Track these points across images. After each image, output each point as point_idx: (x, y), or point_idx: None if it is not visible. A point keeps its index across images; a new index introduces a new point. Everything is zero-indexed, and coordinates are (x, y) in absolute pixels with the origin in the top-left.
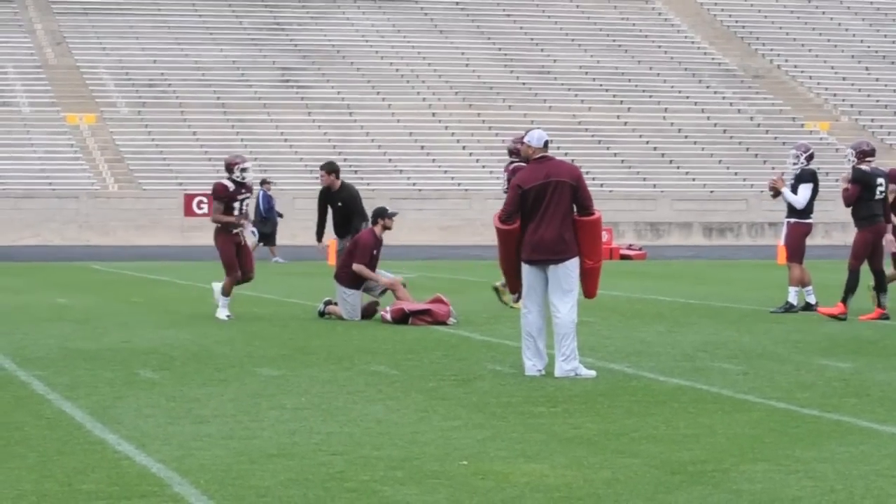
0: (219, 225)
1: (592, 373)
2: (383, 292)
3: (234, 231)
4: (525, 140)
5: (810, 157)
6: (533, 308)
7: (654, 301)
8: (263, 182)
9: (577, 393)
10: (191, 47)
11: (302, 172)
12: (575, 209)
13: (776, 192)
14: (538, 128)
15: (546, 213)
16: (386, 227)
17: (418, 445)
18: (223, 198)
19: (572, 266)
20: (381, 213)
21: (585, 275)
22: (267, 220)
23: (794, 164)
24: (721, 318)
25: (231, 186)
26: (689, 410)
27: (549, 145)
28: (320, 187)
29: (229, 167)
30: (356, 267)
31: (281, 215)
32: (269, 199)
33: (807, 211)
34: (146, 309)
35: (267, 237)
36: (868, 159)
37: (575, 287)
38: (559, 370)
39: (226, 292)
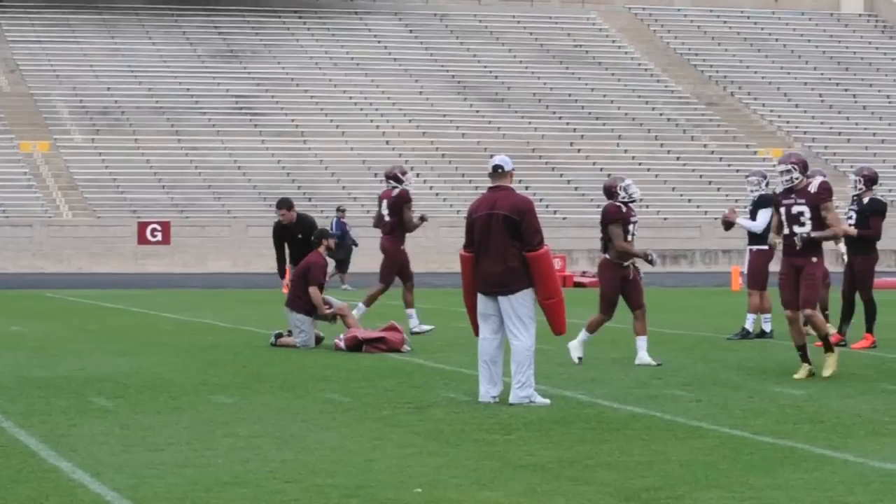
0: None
1: (546, 401)
2: (334, 318)
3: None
4: None
5: (768, 183)
6: (488, 335)
7: (608, 328)
8: (338, 209)
9: (532, 420)
10: (144, 75)
11: (255, 200)
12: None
13: (729, 225)
14: (503, 154)
15: (490, 246)
16: (329, 248)
17: (373, 473)
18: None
19: (523, 297)
20: (324, 234)
21: (545, 311)
22: (340, 247)
23: (754, 190)
24: (674, 344)
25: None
26: (643, 437)
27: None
28: (275, 222)
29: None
30: (312, 290)
31: (356, 244)
32: (342, 226)
33: (767, 237)
34: (100, 337)
35: (340, 263)
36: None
37: (530, 316)
38: (514, 397)
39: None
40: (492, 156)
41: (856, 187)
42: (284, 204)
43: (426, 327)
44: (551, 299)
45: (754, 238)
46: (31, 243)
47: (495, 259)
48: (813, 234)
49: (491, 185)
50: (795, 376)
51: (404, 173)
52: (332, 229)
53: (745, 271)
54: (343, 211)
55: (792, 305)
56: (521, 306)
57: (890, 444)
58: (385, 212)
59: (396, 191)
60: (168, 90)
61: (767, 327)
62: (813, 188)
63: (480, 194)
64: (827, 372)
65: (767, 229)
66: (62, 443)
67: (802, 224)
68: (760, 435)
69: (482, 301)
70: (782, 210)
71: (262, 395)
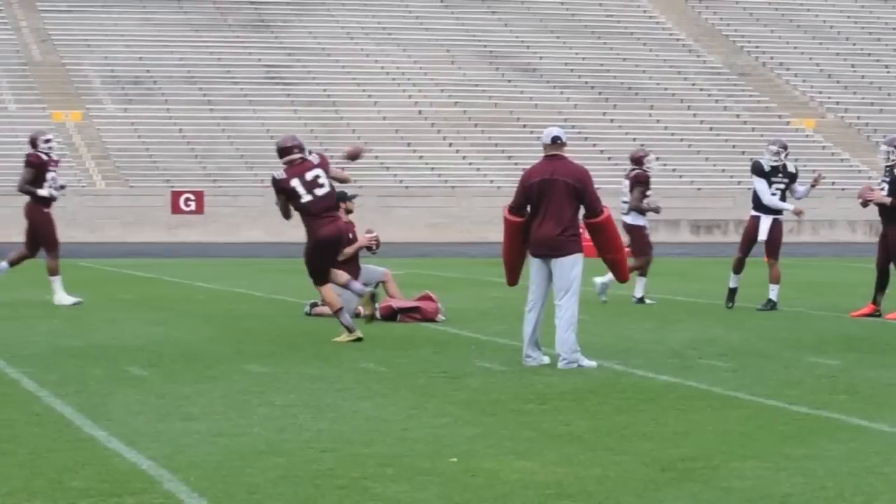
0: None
1: (593, 363)
2: (376, 286)
3: None
4: None
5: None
6: (535, 303)
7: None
8: None
9: (567, 390)
10: (176, 44)
11: None
12: (582, 212)
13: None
14: (555, 125)
15: (547, 210)
16: (348, 211)
17: (408, 442)
18: None
19: (570, 262)
20: (342, 198)
21: (612, 265)
22: None
23: (885, 158)
24: (709, 315)
25: None
26: (679, 407)
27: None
28: None
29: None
30: (339, 256)
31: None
32: None
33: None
34: (134, 306)
35: None
36: None
37: (574, 284)
38: (560, 362)
39: None
40: (522, 125)
41: (888, 158)
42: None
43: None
44: (618, 253)
45: (770, 208)
46: (65, 213)
47: (552, 223)
48: None
49: (547, 153)
50: None
51: (645, 156)
52: None
53: (764, 240)
54: None
55: None
56: (570, 270)
57: None
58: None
59: (634, 172)
60: (199, 59)
61: (774, 296)
62: None
63: (536, 161)
64: None
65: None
66: (97, 412)
67: None
68: (796, 405)
69: (533, 265)
70: None
71: (297, 364)
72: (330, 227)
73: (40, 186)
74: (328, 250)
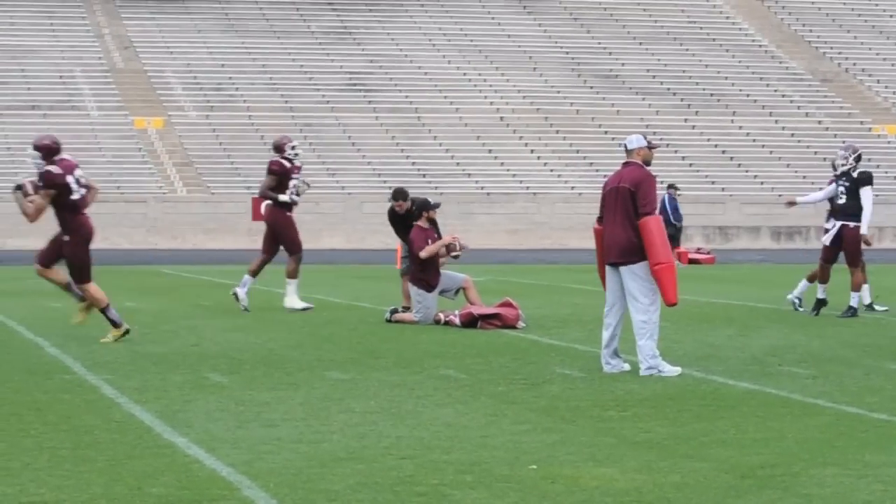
0: None
1: (677, 369)
2: (457, 292)
3: None
4: None
5: (858, 159)
6: (610, 309)
7: (723, 305)
8: (670, 186)
9: (647, 397)
10: (258, 51)
11: (370, 176)
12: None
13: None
14: (638, 132)
15: (614, 217)
16: (430, 219)
17: (487, 449)
18: None
19: (638, 270)
20: (424, 206)
21: (656, 278)
22: (670, 223)
23: (843, 164)
24: (790, 322)
25: None
26: (759, 414)
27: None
28: (388, 208)
29: None
30: (423, 253)
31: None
32: (674, 202)
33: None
34: (214, 313)
35: (671, 239)
36: None
37: (644, 291)
38: (642, 369)
39: None
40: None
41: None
42: (400, 196)
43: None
44: (660, 264)
45: (847, 214)
46: (146, 219)
47: (617, 230)
48: None
49: (625, 161)
50: None
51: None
52: (665, 206)
53: (843, 249)
54: (676, 189)
55: None
56: (639, 278)
57: None
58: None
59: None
60: (281, 66)
61: (855, 302)
62: None
63: (615, 170)
64: None
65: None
66: (177, 418)
67: None
68: (876, 412)
69: (608, 272)
70: None
71: (377, 371)
72: (91, 222)
73: (282, 192)
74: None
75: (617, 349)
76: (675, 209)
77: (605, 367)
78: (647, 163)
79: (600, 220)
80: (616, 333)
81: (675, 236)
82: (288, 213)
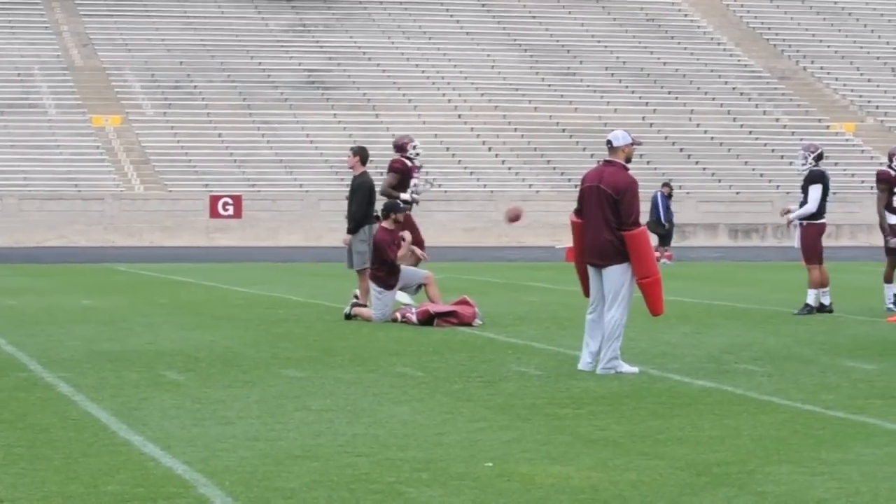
0: None
1: (634, 369)
2: (418, 288)
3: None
4: None
5: (819, 158)
6: (594, 308)
7: (680, 303)
8: (664, 185)
9: (603, 395)
10: (216, 49)
11: (327, 173)
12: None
13: (789, 222)
14: (621, 129)
15: (592, 217)
16: (396, 221)
17: (443, 447)
18: None
19: (616, 272)
20: (391, 208)
21: (642, 290)
22: (662, 223)
23: (803, 164)
24: (746, 319)
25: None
26: (715, 412)
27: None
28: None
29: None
30: (401, 252)
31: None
32: (667, 201)
33: (819, 212)
34: (171, 310)
35: (662, 238)
36: None
37: (620, 292)
38: (600, 367)
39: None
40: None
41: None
42: (352, 148)
43: None
44: (647, 278)
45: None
46: (103, 217)
47: (594, 231)
48: None
49: (606, 158)
50: None
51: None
52: (657, 205)
53: (799, 247)
54: (668, 187)
55: None
56: (615, 279)
57: None
58: None
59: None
60: (240, 64)
61: (826, 300)
62: None
63: (593, 166)
64: None
65: (822, 205)
66: (133, 416)
67: None
68: (832, 410)
69: (590, 272)
70: None
71: (333, 368)
72: None
73: (404, 191)
74: None
75: (599, 350)
76: (668, 208)
77: (583, 365)
78: (629, 159)
79: (578, 212)
80: (597, 333)
81: (666, 236)
82: (408, 213)
